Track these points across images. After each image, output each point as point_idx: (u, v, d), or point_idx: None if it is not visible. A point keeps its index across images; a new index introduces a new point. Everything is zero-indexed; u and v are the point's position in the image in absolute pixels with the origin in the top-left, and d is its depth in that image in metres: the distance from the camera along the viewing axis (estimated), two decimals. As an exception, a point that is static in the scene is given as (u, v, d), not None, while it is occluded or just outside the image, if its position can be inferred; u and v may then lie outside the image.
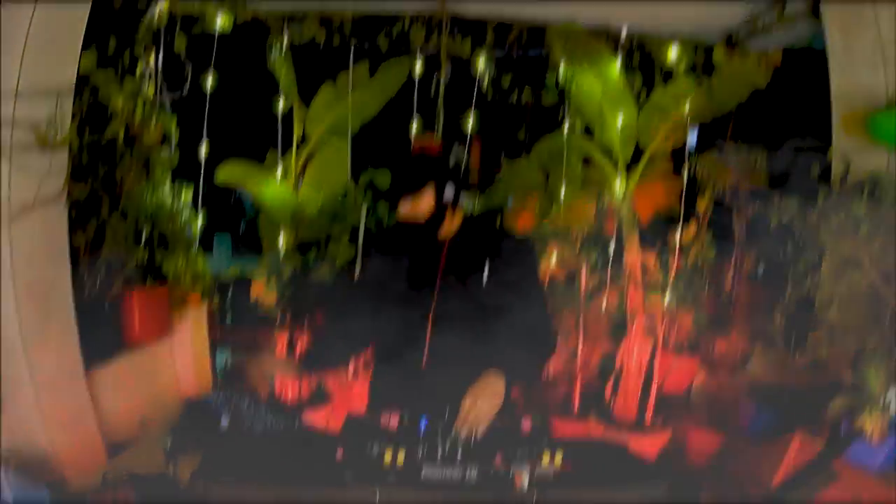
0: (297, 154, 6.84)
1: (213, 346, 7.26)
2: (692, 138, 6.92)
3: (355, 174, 7.04)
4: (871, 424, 4.11)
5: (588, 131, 6.90)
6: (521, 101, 7.26)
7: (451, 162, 3.74)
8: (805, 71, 6.33)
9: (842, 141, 5.45)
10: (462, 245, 3.71)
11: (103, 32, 5.51)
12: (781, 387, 5.75)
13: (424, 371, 3.61)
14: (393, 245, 3.83)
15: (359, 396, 6.49)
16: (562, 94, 6.99)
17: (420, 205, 3.56)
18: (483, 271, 3.60)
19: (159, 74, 6.29)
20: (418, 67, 6.85)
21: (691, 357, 6.88)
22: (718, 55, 6.31)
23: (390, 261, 3.77)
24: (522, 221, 7.24)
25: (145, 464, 3.48)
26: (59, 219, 4.86)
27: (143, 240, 5.91)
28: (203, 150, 6.72)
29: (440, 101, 6.94)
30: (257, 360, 3.78)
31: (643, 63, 7.04)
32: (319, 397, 6.73)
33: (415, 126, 6.95)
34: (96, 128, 5.13)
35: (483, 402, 3.09)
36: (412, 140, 6.92)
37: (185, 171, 6.67)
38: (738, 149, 6.41)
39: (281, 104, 6.78)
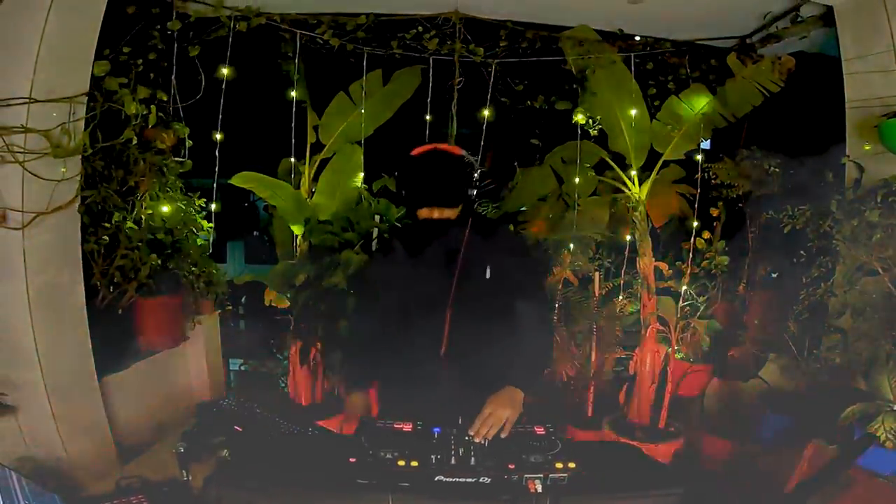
0: (310, 161, 6.83)
1: (227, 353, 7.27)
2: (705, 144, 6.91)
3: (368, 181, 7.05)
4: (884, 431, 4.09)
5: (601, 138, 6.89)
6: (534, 108, 7.27)
7: (472, 164, 3.77)
8: (818, 77, 6.32)
9: (855, 147, 5.45)
10: (474, 244, 3.75)
11: (117, 40, 5.53)
12: (795, 393, 5.74)
13: (444, 366, 3.66)
14: (414, 242, 3.86)
15: (373, 402, 6.50)
16: (575, 100, 7.00)
17: (446, 210, 3.71)
18: (490, 270, 3.68)
19: (172, 81, 6.31)
20: (431, 74, 6.88)
21: (705, 363, 6.86)
22: (732, 61, 6.30)
23: (412, 258, 3.82)
24: (536, 228, 7.24)
25: (159, 470, 3.49)
26: (72, 225, 4.88)
27: (157, 247, 5.92)
28: (216, 156, 6.72)
29: (453, 107, 6.95)
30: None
31: (657, 69, 7.05)
32: (333, 403, 6.70)
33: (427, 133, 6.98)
34: (110, 135, 5.14)
35: (502, 411, 3.13)
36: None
37: (198, 178, 6.69)
38: (751, 154, 6.40)
39: (294, 111, 6.77)
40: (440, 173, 3.70)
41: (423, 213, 3.74)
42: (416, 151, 3.78)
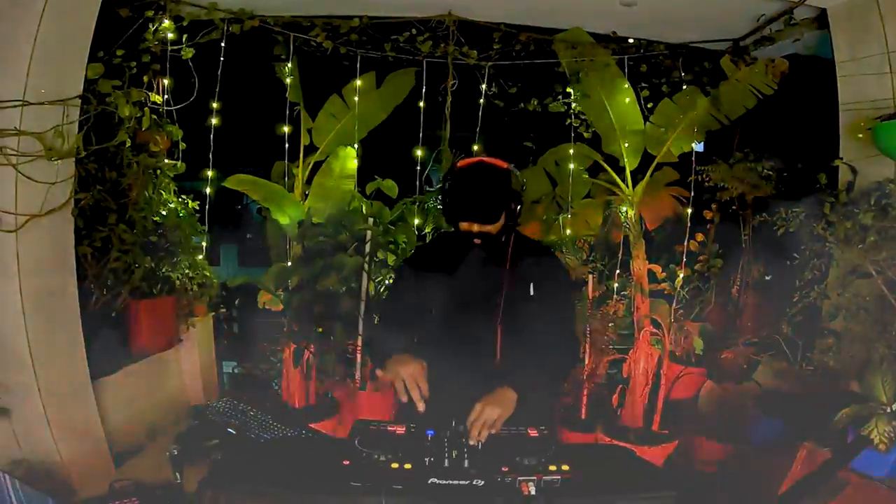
0: (304, 164, 6.82)
1: (220, 355, 7.26)
2: (699, 147, 6.91)
3: (362, 184, 7.05)
4: (877, 433, 4.09)
5: (595, 140, 6.88)
6: (528, 110, 7.26)
7: (518, 178, 3.75)
8: (812, 79, 6.32)
9: (848, 150, 5.45)
10: (517, 260, 3.79)
11: (110, 42, 5.52)
12: (788, 396, 5.73)
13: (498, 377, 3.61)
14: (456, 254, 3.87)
15: (366, 404, 6.48)
16: (568, 103, 6.98)
17: (487, 225, 3.69)
18: (533, 288, 3.74)
19: (166, 84, 6.30)
20: (424, 77, 6.88)
21: (698, 366, 6.85)
22: (726, 64, 6.29)
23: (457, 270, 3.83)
24: (530, 231, 7.23)
25: (152, 472, 3.48)
26: (65, 228, 4.87)
27: (150, 249, 5.91)
28: (210, 159, 6.71)
29: (447, 110, 6.95)
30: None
31: (650, 71, 7.04)
32: (327, 406, 6.70)
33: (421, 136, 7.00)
34: (103, 137, 5.13)
35: (492, 410, 3.11)
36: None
37: (191, 180, 6.68)
38: (745, 157, 6.40)
39: (287, 113, 6.75)
40: (483, 188, 3.67)
41: (464, 226, 3.70)
42: (461, 163, 3.77)
